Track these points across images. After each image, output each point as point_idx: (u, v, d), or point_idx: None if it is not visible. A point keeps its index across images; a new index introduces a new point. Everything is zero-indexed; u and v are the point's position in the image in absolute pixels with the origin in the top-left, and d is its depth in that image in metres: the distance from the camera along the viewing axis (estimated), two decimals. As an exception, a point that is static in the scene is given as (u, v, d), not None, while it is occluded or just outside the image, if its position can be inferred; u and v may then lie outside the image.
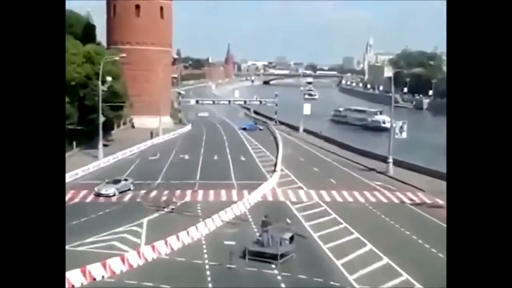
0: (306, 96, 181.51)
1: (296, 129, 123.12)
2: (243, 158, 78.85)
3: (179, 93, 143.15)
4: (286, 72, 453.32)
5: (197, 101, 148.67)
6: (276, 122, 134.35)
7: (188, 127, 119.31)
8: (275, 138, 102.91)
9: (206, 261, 34.11)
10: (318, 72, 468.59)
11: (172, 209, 48.02)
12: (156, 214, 46.01)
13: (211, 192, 55.21)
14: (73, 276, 29.56)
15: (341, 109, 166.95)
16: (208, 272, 32.27)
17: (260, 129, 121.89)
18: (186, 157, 78.66)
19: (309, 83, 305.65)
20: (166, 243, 35.92)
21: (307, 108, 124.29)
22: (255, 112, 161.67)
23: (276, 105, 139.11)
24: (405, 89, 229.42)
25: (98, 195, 52.43)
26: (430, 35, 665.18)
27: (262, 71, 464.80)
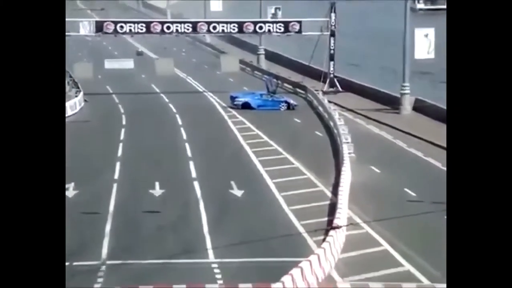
0: (420, 5, 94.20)
1: (391, 103, 53.87)
2: None
3: None
4: None
5: None
6: (332, 85, 61.57)
7: None
8: (338, 152, 40.82)
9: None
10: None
11: None
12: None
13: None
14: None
15: None
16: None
17: (290, 107, 55.41)
18: None
19: None
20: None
21: (422, 44, 50.80)
22: (273, 60, 76.33)
23: (332, 35, 61.89)
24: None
25: None
26: None
27: None
